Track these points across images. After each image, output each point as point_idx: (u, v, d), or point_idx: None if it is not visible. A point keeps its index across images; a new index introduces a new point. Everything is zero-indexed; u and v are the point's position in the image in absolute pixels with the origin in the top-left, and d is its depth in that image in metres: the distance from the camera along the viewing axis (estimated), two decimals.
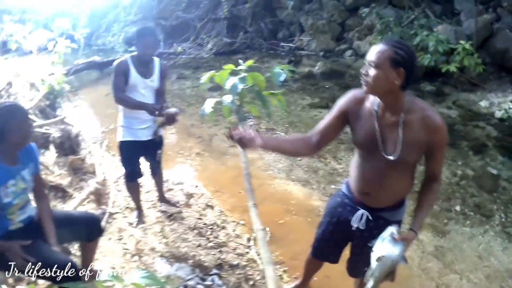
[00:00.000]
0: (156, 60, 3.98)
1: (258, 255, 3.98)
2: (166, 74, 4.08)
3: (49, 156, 5.31)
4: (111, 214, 4.55)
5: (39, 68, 8.23)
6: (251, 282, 3.70)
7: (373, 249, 2.25)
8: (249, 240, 4.29)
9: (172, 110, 3.73)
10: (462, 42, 8.60)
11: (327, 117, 2.46)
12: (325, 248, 2.92)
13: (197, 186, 5.25)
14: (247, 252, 4.10)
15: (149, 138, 3.95)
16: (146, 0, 14.43)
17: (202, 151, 6.27)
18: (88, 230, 3.11)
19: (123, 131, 4.00)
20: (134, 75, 3.79)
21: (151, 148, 4.09)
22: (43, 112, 7.00)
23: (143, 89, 3.87)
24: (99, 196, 4.77)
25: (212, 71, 3.60)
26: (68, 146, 5.83)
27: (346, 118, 2.40)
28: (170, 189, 5.07)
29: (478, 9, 9.28)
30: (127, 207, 4.63)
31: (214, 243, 4.16)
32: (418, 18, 9.74)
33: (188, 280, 3.64)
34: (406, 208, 2.60)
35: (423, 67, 8.84)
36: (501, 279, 3.92)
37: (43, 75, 7.66)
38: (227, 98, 3.70)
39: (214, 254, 3.99)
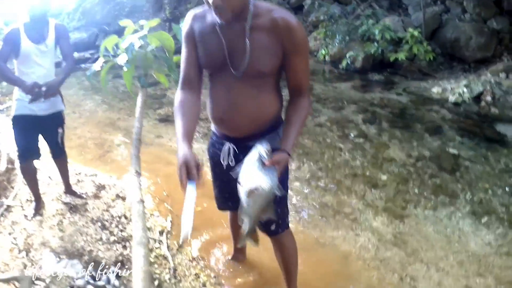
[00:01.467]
0: (51, 22, 3.47)
1: (170, 250, 3.26)
2: (63, 35, 3.51)
3: None
4: (8, 206, 3.84)
5: None
6: (156, 282, 2.89)
7: (240, 180, 1.79)
8: (161, 233, 3.48)
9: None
10: (410, 30, 7.99)
11: (183, 56, 2.09)
12: (219, 195, 2.54)
13: (111, 176, 4.43)
14: (157, 248, 3.29)
15: (47, 113, 3.44)
16: (89, 6, 13.75)
17: (124, 143, 5.42)
18: None
19: (17, 104, 3.43)
20: (25, 42, 3.31)
21: (50, 125, 3.53)
22: None
23: (38, 56, 3.37)
24: None
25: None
26: None
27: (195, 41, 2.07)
28: (80, 181, 4.29)
29: (425, 1, 8.73)
30: (29, 200, 3.88)
31: (118, 237, 3.38)
32: (365, 11, 9.08)
33: (77, 279, 2.87)
34: (280, 133, 2.07)
35: (370, 57, 8.19)
36: (478, 264, 3.13)
37: None
38: (122, 59, 2.99)
39: (116, 250, 3.23)
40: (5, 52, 3.32)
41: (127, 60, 3.15)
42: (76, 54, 9.76)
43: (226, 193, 2.47)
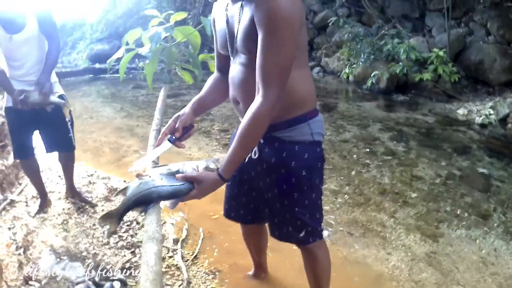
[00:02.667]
0: (31, 9, 3.10)
1: (185, 260, 3.02)
2: (45, 19, 3.15)
3: None
4: (12, 201, 3.66)
5: None
6: None
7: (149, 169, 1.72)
8: (175, 242, 3.25)
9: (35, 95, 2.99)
10: (435, 50, 7.78)
11: (214, 43, 1.99)
12: (228, 200, 2.35)
13: (125, 181, 4.20)
14: (171, 257, 3.06)
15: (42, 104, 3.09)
16: (112, 18, 13.68)
17: (141, 149, 5.23)
18: None
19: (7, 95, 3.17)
20: (2, 34, 3.01)
21: (46, 119, 3.19)
22: None
23: (21, 46, 3.07)
24: (3, 180, 3.89)
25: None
26: None
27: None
28: (92, 183, 4.12)
29: (450, 24, 8.51)
30: (35, 197, 3.71)
31: (127, 243, 3.18)
32: (389, 32, 8.90)
33: (78, 283, 2.62)
34: (315, 126, 1.89)
35: (394, 77, 8.00)
36: None
37: None
38: (145, 49, 2.82)
39: (123, 256, 3.02)
40: None
41: (150, 50, 2.98)
42: (97, 65, 9.80)
43: (234, 200, 2.30)
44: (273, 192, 1.98)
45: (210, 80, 2.06)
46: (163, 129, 1.88)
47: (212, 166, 1.71)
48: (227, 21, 1.78)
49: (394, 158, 4.90)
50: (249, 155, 1.92)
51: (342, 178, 4.38)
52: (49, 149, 3.44)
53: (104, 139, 5.59)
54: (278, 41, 1.55)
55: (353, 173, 4.51)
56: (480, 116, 6.50)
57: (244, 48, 1.72)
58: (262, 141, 1.91)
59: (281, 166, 1.90)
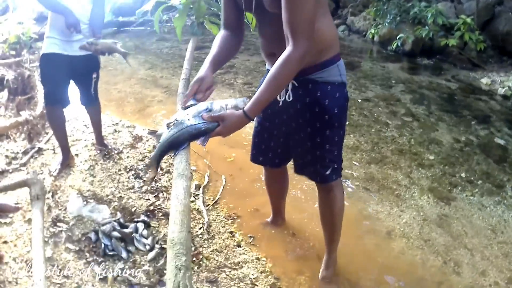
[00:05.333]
0: None
1: (206, 206, 3.04)
2: None
3: None
4: (39, 149, 3.60)
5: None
6: None
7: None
8: (197, 188, 3.25)
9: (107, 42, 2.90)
10: (463, 16, 7.45)
11: (222, 3, 2.04)
12: (256, 145, 2.40)
13: (149, 129, 4.13)
14: (192, 201, 3.07)
15: (80, 53, 2.97)
16: None
17: (165, 99, 5.18)
18: None
19: (47, 42, 3.04)
20: None
21: (82, 69, 3.13)
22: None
23: None
24: (31, 130, 3.84)
25: None
26: (21, 89, 4.86)
27: None
28: (117, 131, 4.07)
29: None
30: (56, 152, 3.62)
31: (151, 187, 3.16)
32: None
33: (104, 224, 2.62)
34: (342, 68, 2.02)
35: (420, 41, 7.69)
36: None
37: (10, 25, 6.79)
38: (176, 1, 2.79)
39: (147, 199, 3.02)
40: None
41: (180, 3, 2.91)
42: (121, 18, 9.59)
43: (263, 144, 2.36)
44: (306, 131, 2.06)
45: (219, 38, 2.04)
46: (186, 92, 1.87)
47: (241, 105, 1.73)
48: None
49: (414, 120, 4.80)
50: (283, 98, 2.03)
51: (361, 135, 4.32)
52: (80, 100, 3.41)
53: (129, 90, 5.51)
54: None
55: (372, 131, 4.44)
56: (503, 87, 6.27)
57: (272, 7, 1.76)
58: (296, 84, 1.99)
59: (315, 105, 1.99)
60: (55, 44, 3.01)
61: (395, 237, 2.89)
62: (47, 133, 3.87)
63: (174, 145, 1.63)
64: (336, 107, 2.00)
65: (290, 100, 2.02)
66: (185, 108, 1.76)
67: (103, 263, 2.40)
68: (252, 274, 2.39)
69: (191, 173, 3.45)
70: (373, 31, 8.50)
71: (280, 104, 2.06)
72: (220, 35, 2.05)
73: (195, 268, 2.41)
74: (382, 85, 5.98)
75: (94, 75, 3.21)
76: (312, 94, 1.98)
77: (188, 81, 2.16)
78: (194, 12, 2.84)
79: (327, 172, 2.13)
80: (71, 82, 3.23)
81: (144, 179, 3.23)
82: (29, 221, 2.64)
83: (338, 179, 2.21)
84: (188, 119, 1.66)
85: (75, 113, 4.18)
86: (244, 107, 1.70)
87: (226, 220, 2.93)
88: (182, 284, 1.07)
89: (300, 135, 2.11)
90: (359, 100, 5.32)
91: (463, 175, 3.74)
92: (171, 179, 3.16)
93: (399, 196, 3.34)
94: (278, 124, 2.20)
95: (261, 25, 1.99)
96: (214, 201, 3.12)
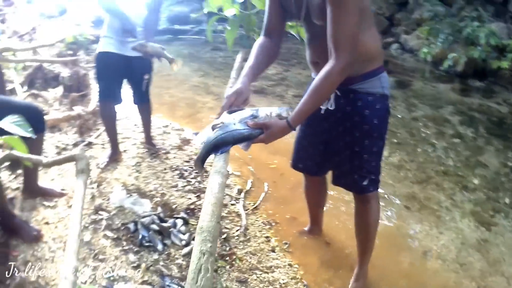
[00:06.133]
0: None
1: (246, 210, 3.08)
2: None
3: (52, 93, 4.80)
4: (89, 143, 3.78)
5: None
6: (224, 236, 2.73)
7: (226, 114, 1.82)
8: (239, 192, 3.30)
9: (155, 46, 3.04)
10: None
11: (266, 6, 2.07)
12: (297, 151, 2.43)
13: (198, 133, 4.18)
14: (233, 205, 3.13)
15: (135, 54, 3.08)
16: None
17: (216, 106, 5.24)
18: (29, 122, 2.12)
19: (104, 41, 3.21)
20: None
21: (135, 69, 3.25)
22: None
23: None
24: (83, 125, 4.03)
25: None
26: (76, 86, 5.10)
27: None
28: (166, 133, 4.19)
29: None
30: (104, 147, 3.79)
31: (193, 187, 3.22)
32: (470, 14, 8.33)
33: (144, 217, 2.71)
34: (384, 80, 2.03)
35: (472, 62, 7.45)
36: None
37: (69, 27, 7.09)
38: (230, 12, 2.86)
39: (189, 198, 3.07)
40: None
41: (232, 16, 3.01)
42: (176, 26, 9.80)
43: (303, 151, 2.39)
44: (345, 140, 2.09)
45: (258, 47, 2.06)
46: (223, 103, 1.90)
47: (284, 114, 1.79)
48: None
49: (462, 142, 4.67)
50: (326, 107, 2.07)
51: (407, 154, 4.25)
52: (133, 99, 3.52)
53: (181, 95, 5.63)
54: (344, 13, 1.67)
55: (418, 150, 4.36)
56: None
57: (319, 20, 1.81)
58: (338, 93, 2.03)
59: (356, 114, 2.02)
60: (111, 43, 3.15)
61: (430, 257, 2.82)
62: (98, 129, 4.03)
63: (218, 146, 1.70)
64: (376, 118, 2.02)
65: (332, 108, 2.06)
66: (231, 112, 1.81)
67: (139, 252, 2.46)
68: (282, 279, 2.40)
69: (232, 174, 3.54)
70: (425, 50, 8.34)
71: (322, 112, 2.10)
72: (259, 43, 2.08)
73: (227, 267, 2.44)
74: (432, 105, 5.87)
75: (147, 77, 3.31)
76: (353, 103, 2.01)
77: None
78: (244, 25, 2.87)
79: (364, 183, 2.13)
80: (125, 81, 3.35)
81: (189, 179, 3.30)
82: (71, 206, 2.76)
83: (375, 191, 2.21)
84: (234, 124, 1.73)
85: (127, 112, 4.33)
86: (288, 117, 1.75)
87: (263, 225, 2.96)
88: (204, 267, 1.17)
89: (339, 144, 2.13)
90: (407, 119, 5.24)
91: (507, 201, 3.61)
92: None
93: (439, 218, 3.26)
94: (319, 132, 2.22)
95: (308, 34, 2.03)
96: (254, 206, 3.16)
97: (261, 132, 1.72)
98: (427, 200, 3.47)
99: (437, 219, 3.23)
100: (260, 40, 2.10)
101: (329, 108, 2.06)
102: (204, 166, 1.82)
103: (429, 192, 3.58)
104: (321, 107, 2.07)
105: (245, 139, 1.72)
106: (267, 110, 1.80)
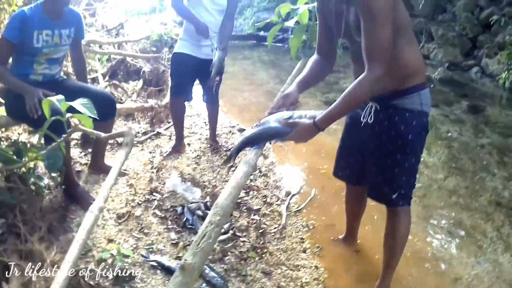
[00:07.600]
0: None
1: (289, 211, 3.21)
2: None
3: (132, 85, 5.20)
4: (158, 133, 4.12)
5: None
6: (261, 230, 2.87)
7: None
8: (287, 194, 3.43)
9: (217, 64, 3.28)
10: None
11: (318, 27, 2.19)
12: (339, 159, 2.52)
13: (243, 130, 4.43)
14: (278, 205, 3.27)
15: (208, 57, 3.35)
16: None
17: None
18: (102, 108, 2.43)
19: (180, 43, 3.48)
20: None
21: (207, 71, 3.39)
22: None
23: (210, 3, 3.32)
24: (154, 117, 4.38)
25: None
26: (155, 81, 5.50)
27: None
28: (231, 132, 4.39)
29: None
30: (171, 139, 4.07)
31: (246, 186, 3.37)
32: None
33: (192, 203, 2.95)
34: (425, 97, 2.07)
35: None
36: None
37: (155, 25, 7.45)
38: (291, 22, 3.05)
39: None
40: None
41: (295, 25, 3.12)
42: (262, 33, 9.93)
43: (344, 160, 2.48)
44: (380, 152, 2.15)
45: (311, 62, 2.22)
46: (272, 104, 2.07)
47: (308, 115, 1.91)
48: (334, 10, 1.96)
49: None
50: (365, 120, 2.14)
51: (463, 180, 4.13)
52: (202, 97, 3.77)
53: (254, 100, 5.78)
54: (375, 26, 1.74)
55: (476, 178, 4.22)
56: None
57: (357, 36, 1.88)
58: (378, 107, 2.10)
59: (392, 129, 2.08)
60: (186, 45, 3.39)
61: (460, 285, 2.75)
62: (169, 122, 4.31)
63: (252, 141, 1.88)
64: (410, 134, 2.06)
65: (370, 122, 2.12)
66: (272, 113, 1.96)
67: (180, 232, 2.67)
68: (305, 279, 2.49)
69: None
70: (504, 75, 7.91)
71: (362, 124, 2.16)
72: (312, 59, 2.22)
73: (257, 258, 2.57)
74: (501, 133, 5.61)
75: (217, 78, 3.46)
76: (390, 118, 2.07)
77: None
78: (308, 34, 2.97)
79: (393, 196, 2.17)
80: (197, 81, 3.59)
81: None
82: (130, 185, 3.00)
83: (406, 206, 2.23)
84: (269, 122, 1.87)
85: (198, 110, 4.61)
86: (315, 118, 1.84)
87: (302, 227, 3.07)
88: (207, 234, 1.38)
89: (375, 156, 2.19)
90: (472, 145, 5.06)
91: None
92: (267, 182, 3.52)
93: (480, 247, 3.16)
94: (358, 143, 2.30)
95: (352, 51, 2.10)
96: (297, 209, 3.27)
97: (290, 130, 1.84)
98: (473, 229, 3.37)
99: (477, 249, 3.14)
100: (314, 56, 2.24)
101: (368, 121, 2.12)
102: (236, 157, 2.04)
103: (477, 221, 3.47)
104: (361, 119, 2.14)
105: (276, 136, 1.87)
106: (303, 112, 1.91)
